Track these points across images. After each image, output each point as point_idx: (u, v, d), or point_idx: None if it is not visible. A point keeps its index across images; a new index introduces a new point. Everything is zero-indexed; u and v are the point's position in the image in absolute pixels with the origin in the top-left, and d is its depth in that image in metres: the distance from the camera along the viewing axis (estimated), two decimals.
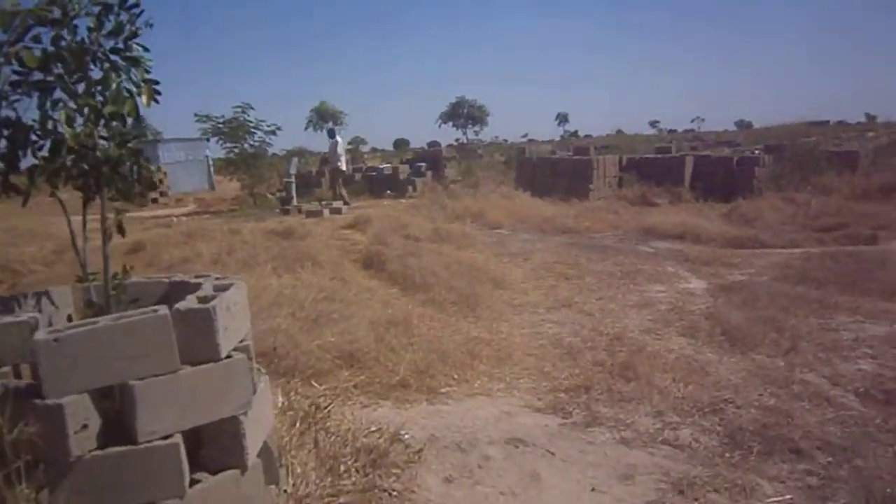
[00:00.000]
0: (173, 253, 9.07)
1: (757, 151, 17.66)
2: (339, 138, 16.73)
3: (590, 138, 70.12)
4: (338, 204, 16.10)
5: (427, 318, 5.88)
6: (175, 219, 15.48)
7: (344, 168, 16.57)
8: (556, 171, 13.98)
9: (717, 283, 7.14)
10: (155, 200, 22.35)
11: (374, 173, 20.85)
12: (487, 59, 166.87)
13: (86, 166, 2.66)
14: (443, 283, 6.99)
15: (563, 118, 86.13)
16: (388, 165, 22.05)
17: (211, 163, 29.90)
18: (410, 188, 19.24)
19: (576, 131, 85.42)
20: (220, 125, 18.50)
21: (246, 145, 18.67)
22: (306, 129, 45.03)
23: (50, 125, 2.59)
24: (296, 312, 6.15)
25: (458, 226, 10.53)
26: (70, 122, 2.54)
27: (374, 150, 78.16)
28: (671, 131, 75.83)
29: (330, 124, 16.40)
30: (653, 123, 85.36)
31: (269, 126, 18.68)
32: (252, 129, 18.60)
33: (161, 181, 22.83)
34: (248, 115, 18.47)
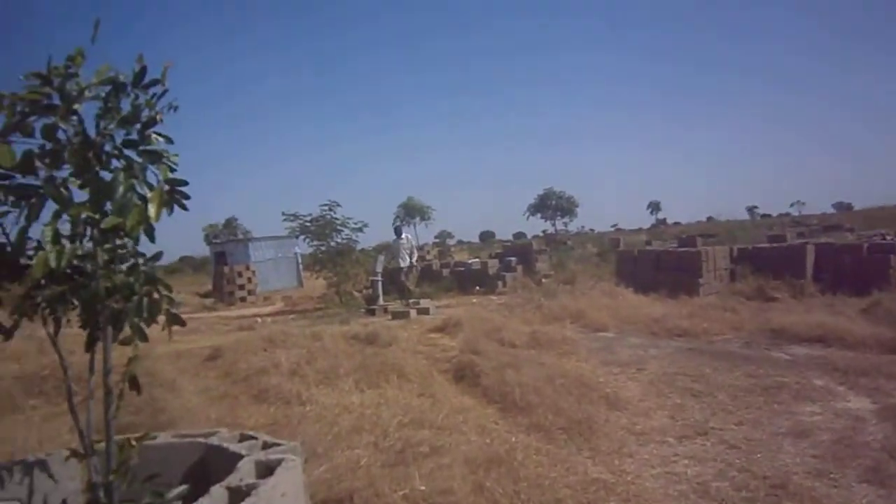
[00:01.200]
0: (251, 361, 8.46)
1: (889, 237, 16.01)
2: (406, 236, 16.22)
3: (679, 226, 68.06)
4: (426, 303, 15.41)
5: (533, 451, 4.88)
6: (259, 320, 15.10)
7: (405, 266, 15.97)
8: (660, 265, 12.86)
9: (887, 402, 5.83)
10: (243, 300, 22.37)
11: (461, 269, 20.17)
12: (575, 149, 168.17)
13: (75, 301, 1.94)
14: (548, 403, 6.00)
15: (654, 206, 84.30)
16: (476, 260, 21.37)
17: (300, 260, 30.20)
18: (500, 283, 18.41)
19: (664, 219, 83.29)
20: (308, 223, 18.42)
21: (332, 243, 18.47)
22: (394, 223, 45.80)
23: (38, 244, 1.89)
24: (378, 441, 5.29)
25: (557, 328, 9.53)
26: (56, 239, 1.82)
27: (460, 242, 78.46)
28: (765, 216, 72.63)
29: (397, 222, 15.89)
30: (750, 209, 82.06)
31: (355, 223, 18.51)
32: (339, 227, 18.44)
33: (250, 280, 22.89)
34: (335, 213, 18.36)
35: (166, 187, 1.95)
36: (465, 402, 6.45)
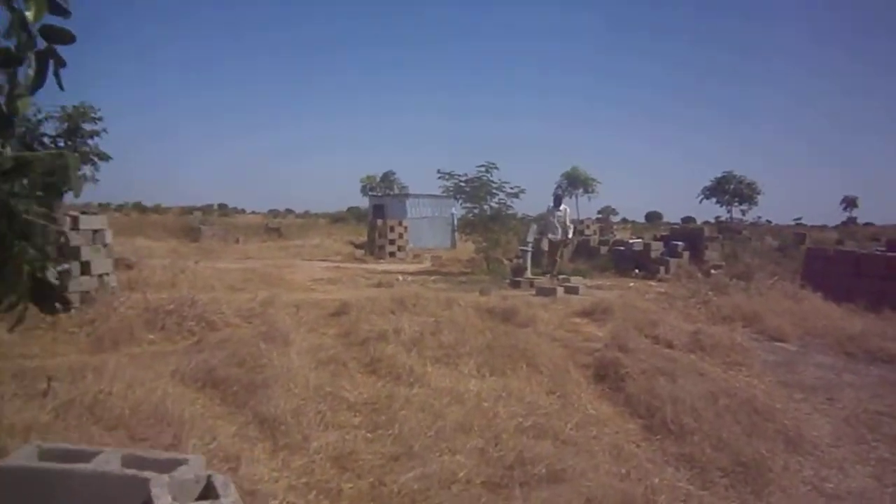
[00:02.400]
0: (374, 323, 7.83)
1: None
2: (564, 207, 14.92)
3: (872, 227, 60.80)
4: (576, 281, 14.20)
5: (682, 498, 3.74)
6: (400, 278, 14.61)
7: (557, 238, 14.69)
8: (860, 270, 10.82)
9: None
10: (392, 254, 22.18)
11: (621, 248, 18.65)
12: (759, 131, 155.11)
13: None
14: (707, 430, 4.79)
15: (850, 203, 75.67)
16: (639, 240, 19.69)
17: (455, 221, 29.77)
18: (662, 269, 16.77)
19: (855, 218, 74.73)
20: (462, 183, 17.67)
21: (486, 206, 17.62)
22: (555, 192, 44.18)
23: None
24: (487, 448, 4.36)
25: (726, 331, 8.08)
26: None
27: (624, 220, 75.05)
28: None
29: (558, 190, 14.71)
30: None
31: (512, 188, 17.50)
32: (494, 191, 17.53)
33: (401, 236, 22.65)
34: (491, 175, 17.45)
35: None
36: (602, 409, 5.38)
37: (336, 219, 54.48)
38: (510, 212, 18.09)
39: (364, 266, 19.85)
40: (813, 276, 11.20)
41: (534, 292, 11.40)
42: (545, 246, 14.69)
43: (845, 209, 75.05)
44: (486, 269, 17.33)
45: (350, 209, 48.19)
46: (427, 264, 21.23)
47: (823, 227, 60.66)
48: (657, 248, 17.99)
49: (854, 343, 7.68)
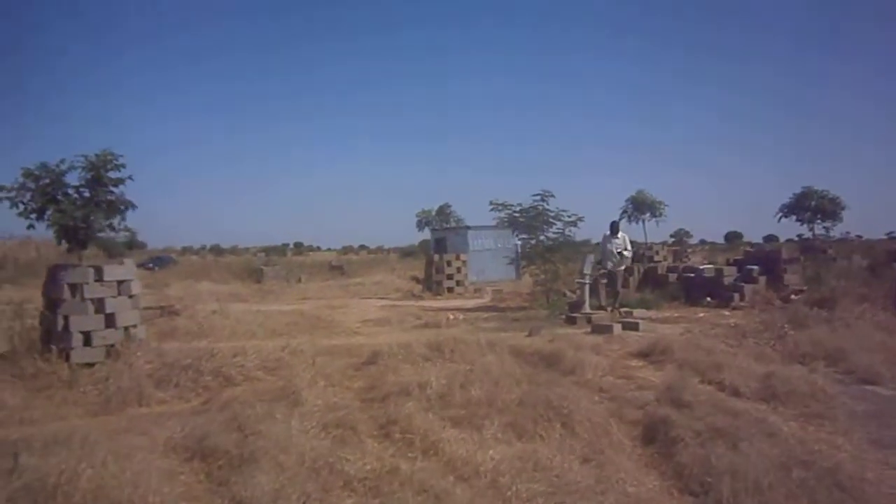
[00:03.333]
0: (403, 375, 7.14)
1: None
2: (622, 235, 13.88)
3: None
4: (640, 313, 13.14)
5: None
6: (451, 316, 13.87)
7: (614, 268, 13.65)
8: None
9: None
10: (451, 290, 21.49)
11: (691, 275, 17.38)
12: (841, 141, 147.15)
13: None
14: None
15: None
16: (710, 266, 18.36)
17: (519, 252, 28.92)
18: (736, 296, 15.45)
19: None
20: (517, 213, 16.86)
21: (542, 237, 16.74)
22: (620, 219, 42.38)
23: None
24: None
25: (804, 373, 6.98)
26: None
27: (702, 242, 71.98)
28: None
29: (623, 217, 13.76)
30: None
31: (569, 216, 16.58)
32: (551, 220, 16.65)
33: (460, 270, 21.94)
34: (548, 203, 16.58)
35: None
36: (645, 484, 4.46)
37: (407, 253, 54.29)
38: (570, 241, 17.16)
39: (420, 304, 19.23)
40: None
41: (589, 329, 10.45)
42: (604, 278, 13.70)
43: None
44: (545, 303, 16.43)
45: (422, 243, 47.71)
46: (486, 299, 20.46)
47: None
48: (730, 273, 16.67)
49: None
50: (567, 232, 16.76)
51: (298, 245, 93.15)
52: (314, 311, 16.08)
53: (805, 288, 15.60)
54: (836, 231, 31.02)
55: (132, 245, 68.76)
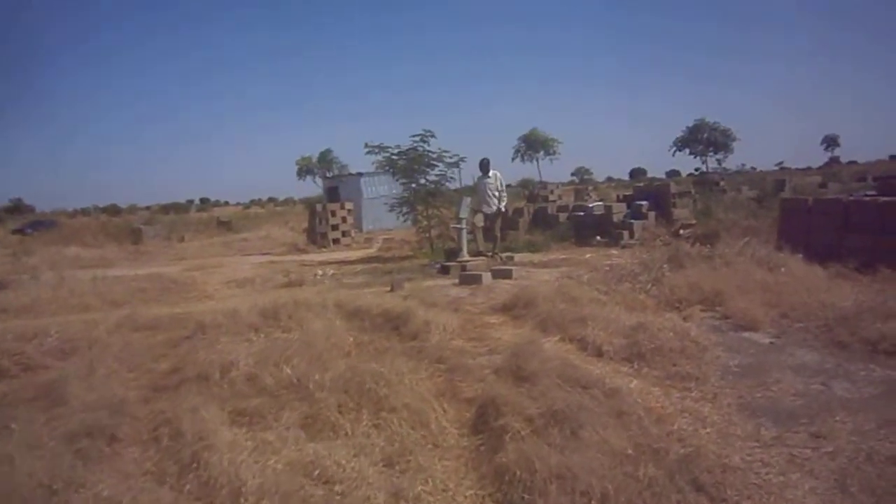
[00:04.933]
0: (214, 353, 5.90)
1: None
2: (494, 173, 12.86)
3: (856, 165, 58.76)
4: (522, 257, 12.25)
5: None
6: (320, 272, 12.59)
7: (489, 211, 12.72)
8: (849, 222, 8.80)
9: None
10: (336, 241, 20.15)
11: (581, 213, 16.66)
12: (734, 74, 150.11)
13: None
14: None
15: (831, 141, 73.38)
16: (600, 203, 17.68)
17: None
18: (626, 234, 14.82)
19: (837, 157, 72.72)
20: (395, 156, 15.53)
21: (423, 180, 15.52)
22: (513, 159, 41.18)
23: None
24: None
25: (677, 322, 6.12)
26: None
27: (609, 179, 72.50)
28: None
29: (487, 159, 12.69)
30: None
31: (451, 157, 15.40)
32: (433, 162, 15.42)
33: (344, 220, 20.57)
34: (429, 145, 15.32)
35: None
36: (457, 494, 3.39)
37: (283, 204, 51.81)
38: (453, 184, 16.07)
39: (302, 258, 17.87)
40: (792, 233, 9.20)
41: (456, 281, 9.41)
42: (479, 221, 12.67)
43: (827, 149, 73.15)
44: (431, 250, 15.38)
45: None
46: (374, 249, 19.28)
47: (807, 170, 58.64)
48: (620, 210, 16.02)
49: (846, 327, 5.67)
50: (450, 174, 15.64)
51: (205, 201, 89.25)
52: (176, 273, 14.52)
53: (694, 222, 15.11)
54: (731, 163, 31.28)
55: (17, 209, 63.65)
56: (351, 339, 6.08)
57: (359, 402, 4.42)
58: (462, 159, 15.41)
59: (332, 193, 30.70)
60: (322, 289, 10.50)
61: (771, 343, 5.70)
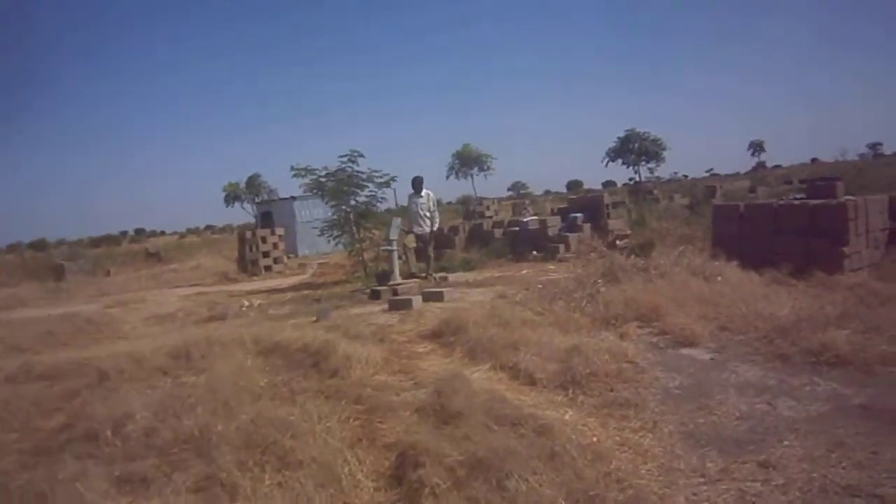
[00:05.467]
0: (111, 405, 5.31)
1: None
2: (426, 192, 12.52)
3: (781, 169, 60.70)
4: (458, 277, 11.87)
5: None
6: (246, 303, 11.94)
7: (421, 231, 12.40)
8: (779, 225, 8.69)
9: None
10: (268, 268, 19.42)
11: (516, 228, 16.40)
12: (662, 83, 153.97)
13: None
14: None
15: (757, 147, 75.60)
16: (535, 217, 17.49)
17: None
18: (562, 247, 14.58)
19: (764, 162, 75.11)
20: (322, 178, 14.95)
21: (353, 202, 14.99)
22: (448, 177, 40.88)
23: None
24: None
25: (613, 341, 5.78)
26: None
27: (547, 192, 72.99)
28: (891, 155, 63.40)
29: (420, 177, 12.41)
30: (873, 146, 71.76)
31: (381, 177, 14.90)
32: (362, 182, 14.90)
33: (276, 246, 19.86)
34: (358, 165, 14.80)
35: None
36: None
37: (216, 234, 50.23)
38: (384, 205, 15.61)
39: (231, 287, 17.10)
40: (726, 240, 9.04)
41: (386, 307, 8.93)
42: (411, 242, 12.25)
43: (753, 154, 75.41)
44: (364, 274, 14.85)
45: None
46: (307, 275, 18.64)
47: (736, 175, 60.23)
48: (555, 223, 15.81)
49: (786, 338, 5.42)
50: (381, 195, 15.15)
51: (140, 232, 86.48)
52: (93, 311, 13.62)
53: (629, 232, 14.99)
54: (663, 172, 31.74)
55: None
56: (263, 380, 5.53)
57: (262, 458, 3.90)
58: (393, 179, 14.94)
59: (266, 219, 29.88)
60: (245, 322, 9.90)
61: (711, 359, 5.40)
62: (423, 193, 12.31)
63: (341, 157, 14.62)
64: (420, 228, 12.27)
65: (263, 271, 19.36)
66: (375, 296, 10.38)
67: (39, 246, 64.85)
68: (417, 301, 8.73)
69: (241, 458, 3.93)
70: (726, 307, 6.50)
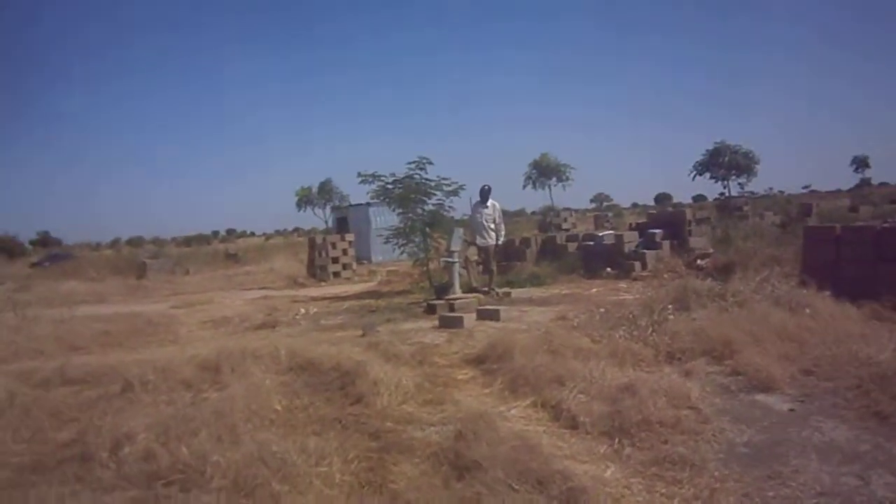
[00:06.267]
0: (125, 418, 4.99)
1: None
2: (492, 202, 11.90)
3: (887, 186, 56.69)
4: (523, 293, 11.22)
5: None
6: (303, 310, 11.66)
7: (485, 244, 11.76)
8: (882, 252, 7.59)
9: None
10: (336, 274, 19.25)
11: (591, 243, 15.57)
12: (758, 95, 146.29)
13: None
14: None
15: (861, 162, 70.83)
16: (610, 232, 16.59)
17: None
18: (638, 265, 13.70)
19: (868, 179, 70.33)
20: (390, 185, 14.55)
21: (419, 210, 14.51)
22: (524, 187, 39.75)
23: None
24: None
25: (676, 380, 5.04)
26: None
27: (634, 205, 70.82)
28: None
29: (528, 183, 11.96)
30: None
31: (449, 185, 14.37)
32: (431, 190, 14.40)
33: (345, 252, 19.67)
34: (426, 172, 14.31)
35: None
36: None
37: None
38: (452, 214, 15.03)
39: (298, 292, 16.98)
40: (818, 266, 8.04)
41: (436, 322, 8.40)
42: (473, 254, 11.68)
43: (857, 170, 70.73)
44: (430, 285, 14.35)
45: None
46: (374, 283, 18.33)
47: (837, 192, 56.62)
48: (632, 239, 14.90)
49: (886, 390, 4.53)
50: (448, 203, 14.62)
51: (231, 231, 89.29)
52: (159, 311, 13.73)
53: (712, 251, 13.94)
54: (756, 186, 29.96)
55: (44, 241, 64.14)
56: (281, 403, 5.08)
57: (249, 502, 3.42)
58: (461, 187, 14.32)
59: (342, 224, 29.94)
60: (294, 331, 9.60)
61: (791, 410, 4.58)
62: (488, 203, 11.75)
63: (409, 163, 14.17)
64: (483, 240, 11.69)
65: (332, 277, 19.18)
66: (431, 310, 9.86)
67: (137, 243, 67.86)
68: (470, 319, 8.16)
69: (224, 499, 3.46)
70: (813, 346, 5.60)
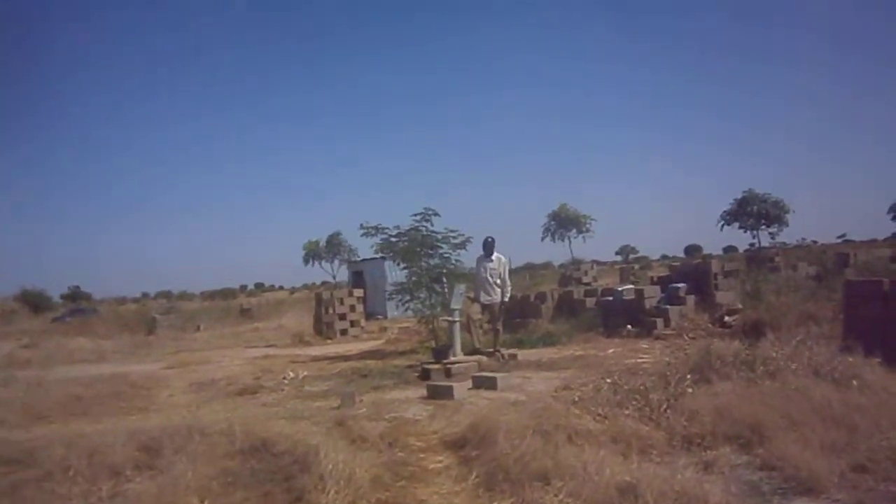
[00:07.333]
0: None
1: None
2: (497, 256, 10.97)
3: None
4: (532, 354, 10.20)
5: None
6: (291, 375, 10.72)
7: (493, 301, 10.77)
8: None
9: None
10: (344, 332, 18.37)
11: (609, 298, 14.52)
12: (782, 141, 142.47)
13: None
14: None
15: None
16: (630, 287, 15.51)
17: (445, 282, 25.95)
18: (661, 322, 12.62)
19: None
20: (394, 238, 13.73)
21: (424, 264, 13.63)
22: (543, 239, 38.78)
23: None
24: None
25: (691, 478, 4.00)
26: None
27: (664, 257, 69.33)
28: None
29: (492, 238, 11.11)
30: None
31: (456, 237, 13.50)
32: (437, 243, 13.55)
33: (353, 308, 18.81)
34: (432, 224, 13.48)
35: None
36: None
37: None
38: (459, 268, 14.14)
39: (301, 351, 16.11)
40: (863, 327, 6.94)
41: (425, 393, 7.42)
42: (476, 313, 10.73)
43: (894, 219, 68.17)
44: (435, 343, 13.38)
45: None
46: (381, 340, 17.41)
47: (874, 242, 54.58)
48: (653, 294, 13.83)
49: None
50: (455, 257, 13.73)
51: (259, 285, 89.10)
52: (149, 371, 13.02)
53: (740, 307, 12.81)
54: (787, 237, 28.66)
55: (74, 296, 64.58)
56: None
57: None
58: (469, 239, 13.48)
59: (357, 278, 29.18)
60: (275, 398, 8.74)
61: None
62: (493, 257, 10.83)
63: (414, 215, 13.37)
64: (488, 297, 10.73)
65: (339, 334, 18.31)
66: (426, 375, 8.88)
67: (163, 297, 67.81)
68: (462, 388, 7.17)
69: None
70: (866, 432, 4.51)
